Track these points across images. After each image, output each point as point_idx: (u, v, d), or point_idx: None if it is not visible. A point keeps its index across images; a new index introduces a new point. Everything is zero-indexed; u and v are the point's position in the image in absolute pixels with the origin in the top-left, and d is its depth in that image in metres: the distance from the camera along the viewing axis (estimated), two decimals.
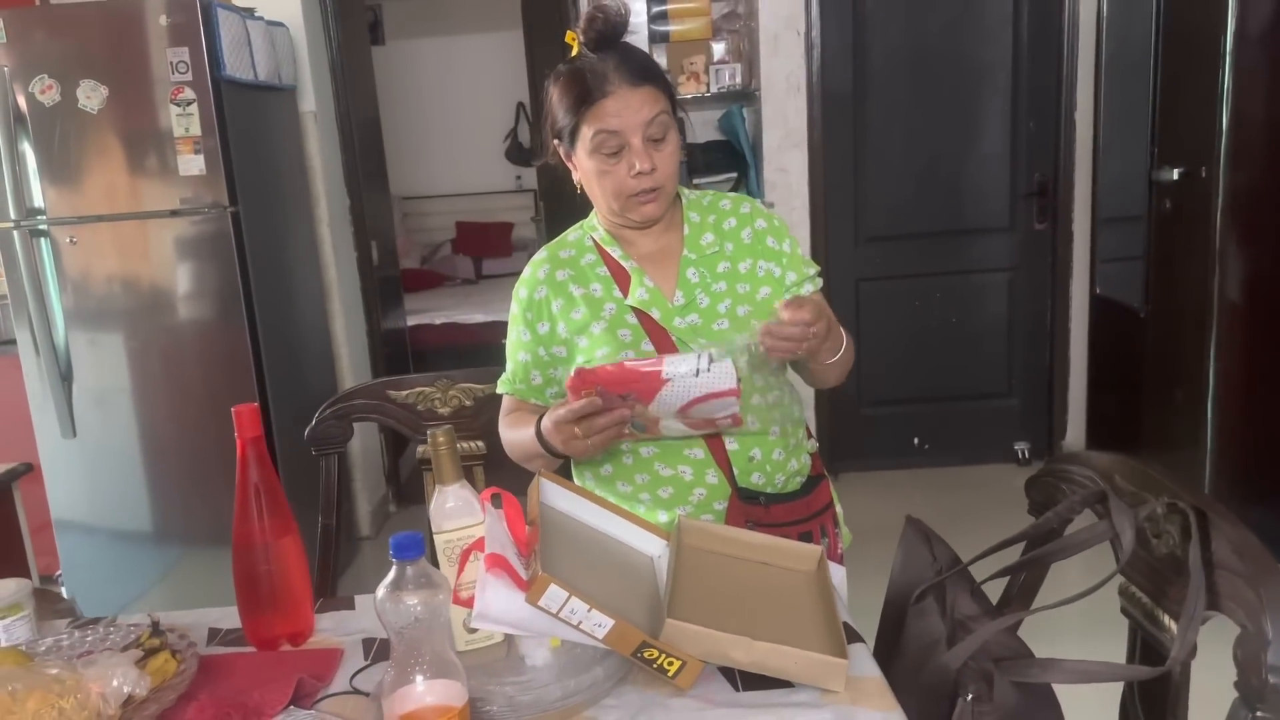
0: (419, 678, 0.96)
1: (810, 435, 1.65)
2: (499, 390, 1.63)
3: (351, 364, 3.81)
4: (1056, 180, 3.85)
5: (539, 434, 1.41)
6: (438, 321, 5.46)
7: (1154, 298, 3.31)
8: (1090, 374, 3.92)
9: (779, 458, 1.52)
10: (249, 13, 3.12)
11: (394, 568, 0.96)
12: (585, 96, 1.45)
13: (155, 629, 1.21)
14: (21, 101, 2.85)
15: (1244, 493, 2.97)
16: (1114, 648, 1.26)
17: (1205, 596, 1.00)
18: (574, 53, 1.50)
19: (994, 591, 1.27)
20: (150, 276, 3.01)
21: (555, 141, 1.55)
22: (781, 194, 3.79)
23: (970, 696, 0.94)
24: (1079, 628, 1.79)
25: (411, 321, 5.14)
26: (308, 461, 1.87)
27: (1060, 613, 1.35)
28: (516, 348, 1.59)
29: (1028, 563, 1.22)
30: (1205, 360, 2.93)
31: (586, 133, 1.46)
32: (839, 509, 1.64)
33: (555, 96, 1.51)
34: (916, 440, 4.13)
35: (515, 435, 1.51)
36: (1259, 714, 0.91)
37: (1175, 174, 3.04)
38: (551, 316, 1.56)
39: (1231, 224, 2.82)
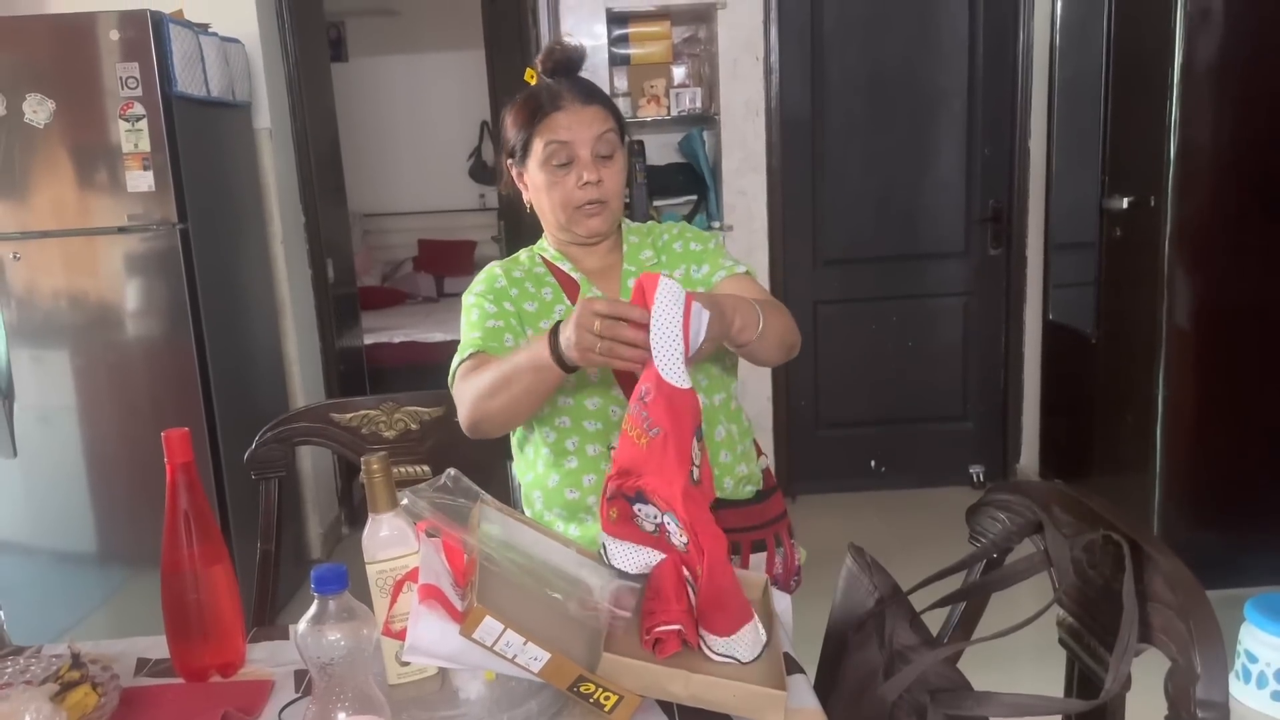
0: (340, 715, 0.93)
1: (760, 453, 1.66)
2: (459, 360, 1.53)
3: (304, 384, 3.76)
4: (1011, 206, 3.89)
5: (554, 331, 1.30)
6: (397, 340, 5.41)
7: (1104, 323, 3.36)
8: (1043, 398, 3.96)
9: (726, 460, 1.55)
10: (203, 28, 3.09)
11: (315, 602, 0.94)
12: (538, 110, 1.54)
13: (76, 660, 1.17)
14: None
15: (1192, 516, 3.00)
16: (1053, 678, 1.25)
17: (1138, 629, 1.00)
18: (531, 82, 1.60)
19: (935, 621, 1.27)
20: (97, 293, 2.96)
21: (509, 161, 1.62)
22: (740, 216, 3.80)
23: (902, 700, 0.93)
24: (1019, 658, 1.80)
25: (370, 340, 5.09)
26: (254, 484, 1.83)
27: (1001, 643, 1.34)
28: (484, 318, 1.56)
29: (966, 592, 1.22)
30: (1154, 385, 2.96)
31: (538, 145, 1.54)
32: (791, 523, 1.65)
33: (509, 119, 1.60)
34: (873, 463, 4.14)
35: (503, 364, 1.42)
36: None
37: (1125, 202, 3.09)
38: (512, 299, 1.60)
39: (1179, 252, 2.87)
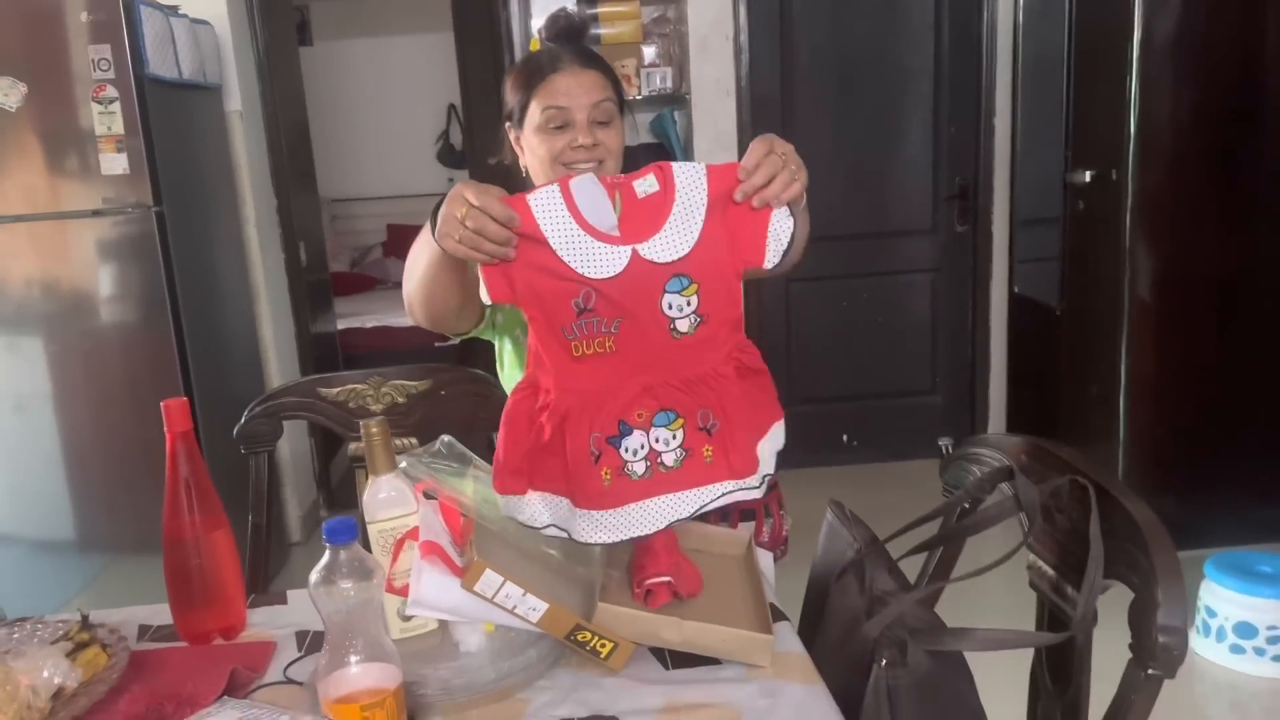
0: (353, 661, 0.97)
1: None
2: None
3: (280, 367, 3.77)
4: (977, 183, 3.97)
5: (436, 208, 1.24)
6: (369, 325, 5.41)
7: (1069, 296, 3.44)
8: (1010, 370, 4.05)
9: None
10: (173, 10, 3.08)
11: (327, 552, 0.98)
12: (537, 72, 1.53)
13: (85, 623, 1.20)
14: None
15: (1156, 483, 3.10)
16: (1025, 620, 1.32)
17: (1104, 566, 1.06)
18: (534, 48, 1.60)
19: (912, 569, 1.33)
20: (71, 279, 2.95)
21: (507, 124, 1.61)
22: None
23: (884, 662, 0.99)
24: (992, 602, 1.87)
25: (342, 325, 5.09)
26: (235, 464, 1.86)
27: (975, 588, 1.40)
28: None
29: (941, 539, 1.28)
30: (1117, 356, 3.06)
31: (535, 109, 1.53)
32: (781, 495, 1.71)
33: (510, 83, 1.59)
34: (845, 437, 4.22)
35: (410, 258, 1.46)
36: (1149, 671, 0.97)
37: (1087, 176, 3.17)
38: None
39: (1140, 224, 2.95)
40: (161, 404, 1.28)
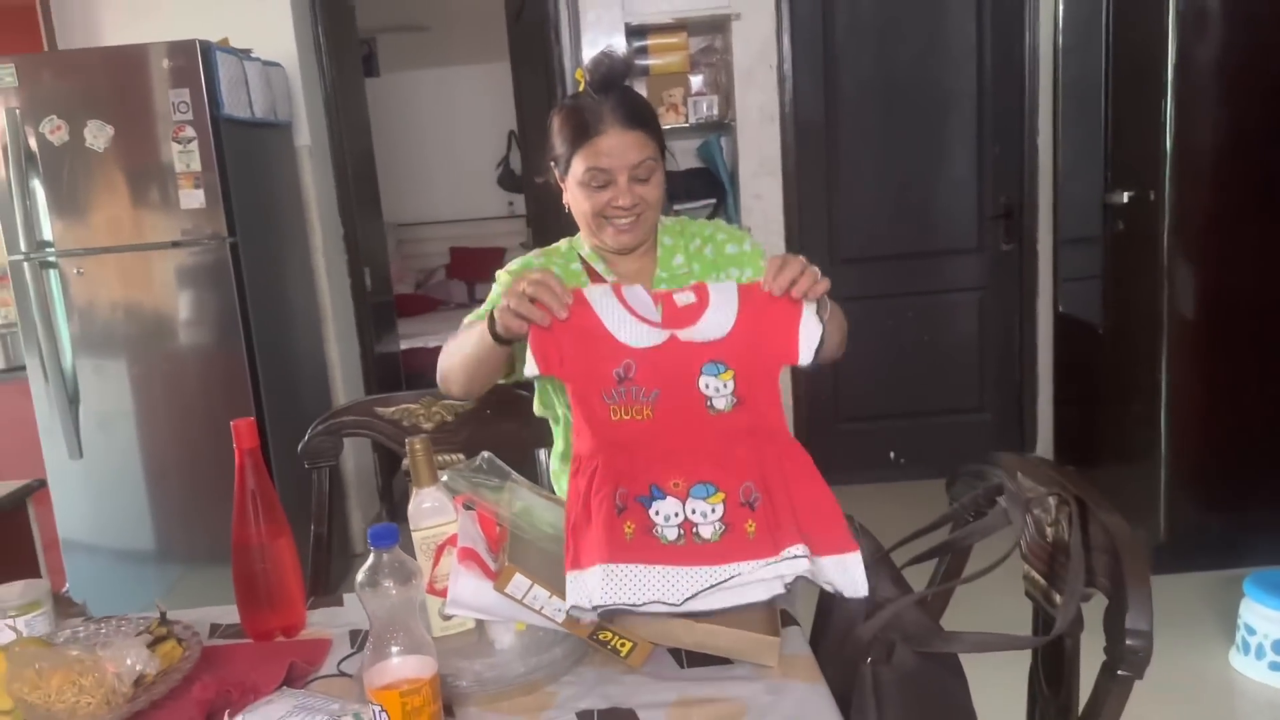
0: (394, 653, 1.09)
1: None
2: (465, 321, 1.67)
3: (346, 387, 3.96)
4: (1021, 203, 4.02)
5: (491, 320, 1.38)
6: (431, 345, 5.60)
7: (1110, 315, 3.47)
8: (1056, 388, 4.07)
9: None
10: (246, 54, 3.29)
11: (371, 554, 1.10)
12: (582, 131, 1.58)
13: (163, 618, 1.35)
14: (32, 141, 3.01)
15: (1196, 500, 3.11)
16: (1024, 628, 1.39)
17: (1084, 574, 1.14)
18: (580, 88, 1.63)
19: (921, 580, 1.41)
20: (153, 305, 3.16)
21: (552, 164, 1.69)
22: (757, 219, 3.96)
23: (870, 660, 1.08)
24: (995, 613, 1.92)
25: (405, 345, 5.29)
26: (302, 478, 2.00)
27: (978, 600, 1.49)
28: (499, 297, 1.70)
29: (941, 549, 1.36)
30: (1158, 374, 3.08)
31: (579, 166, 1.60)
32: None
33: (556, 126, 1.64)
34: (892, 454, 4.27)
35: (459, 341, 1.56)
36: (1120, 672, 1.05)
37: (1126, 196, 3.21)
38: None
39: (1178, 243, 2.98)
40: (231, 423, 1.43)
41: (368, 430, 2.02)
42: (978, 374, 4.24)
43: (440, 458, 1.97)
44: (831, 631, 1.30)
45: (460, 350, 1.55)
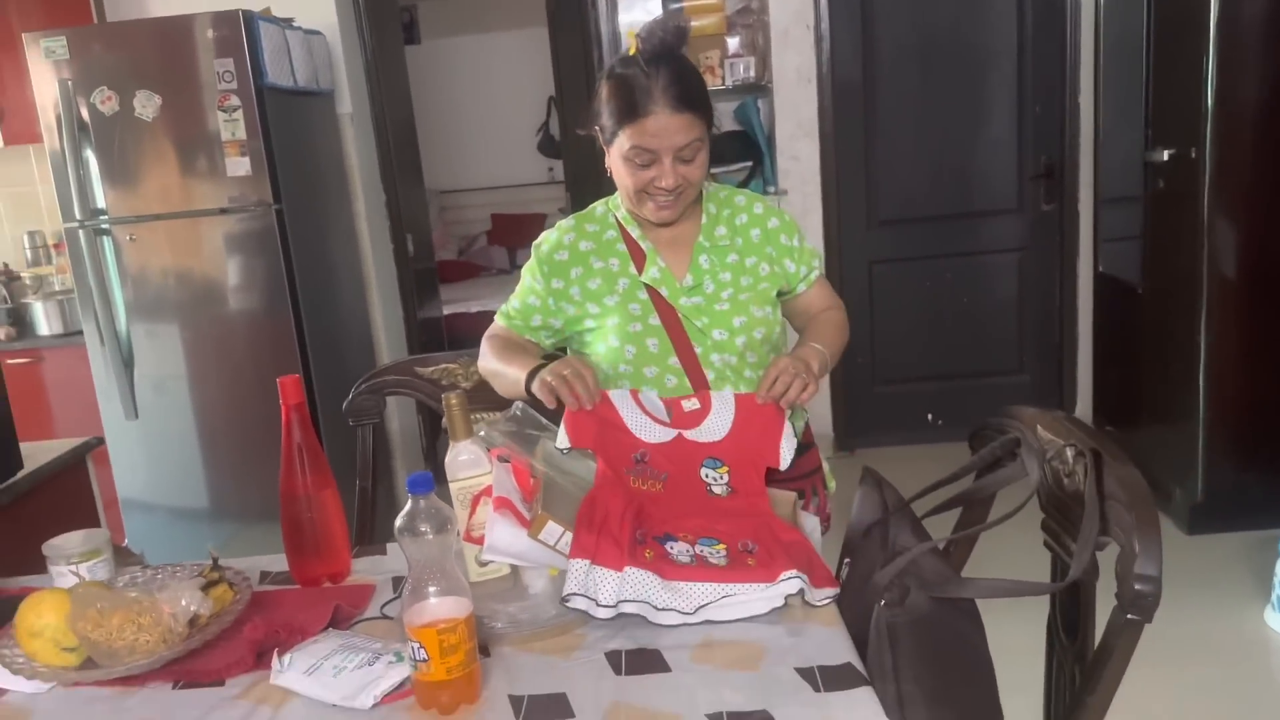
0: (431, 593, 1.15)
1: (804, 409, 1.83)
2: (498, 316, 1.82)
3: (390, 351, 4.04)
4: (1062, 162, 3.97)
5: (537, 369, 1.56)
6: (473, 310, 5.68)
7: (1150, 274, 3.44)
8: (1096, 349, 4.04)
9: None
10: (288, 23, 3.35)
11: (409, 501, 1.16)
12: (630, 110, 1.57)
13: (215, 564, 1.42)
14: (84, 111, 3.10)
15: (1236, 460, 3.10)
16: (1043, 578, 1.43)
17: (1099, 523, 1.17)
18: (631, 51, 1.60)
19: (940, 531, 1.45)
20: (203, 271, 3.25)
21: (597, 129, 1.68)
22: (795, 181, 3.96)
23: (884, 602, 1.12)
24: (1011, 563, 1.95)
25: (448, 310, 5.37)
26: (348, 439, 2.07)
27: (995, 551, 1.52)
28: (528, 291, 1.78)
29: (957, 500, 1.40)
30: (1196, 334, 3.06)
31: (624, 142, 1.60)
32: (826, 465, 1.84)
33: (604, 95, 1.63)
34: (930, 416, 4.27)
35: (500, 368, 1.70)
36: (1130, 616, 1.08)
37: (1166, 155, 3.17)
38: (567, 279, 1.74)
39: (1218, 202, 2.95)
40: (278, 380, 1.49)
41: (409, 389, 2.09)
42: (1016, 335, 4.22)
43: (476, 416, 2.03)
44: (851, 580, 1.34)
45: (498, 375, 1.71)
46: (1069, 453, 1.27)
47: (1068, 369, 4.15)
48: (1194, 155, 2.98)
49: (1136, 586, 1.07)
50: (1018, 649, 1.49)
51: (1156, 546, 1.08)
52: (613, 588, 1.27)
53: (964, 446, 1.57)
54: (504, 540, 1.34)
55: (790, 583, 1.27)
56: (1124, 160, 3.60)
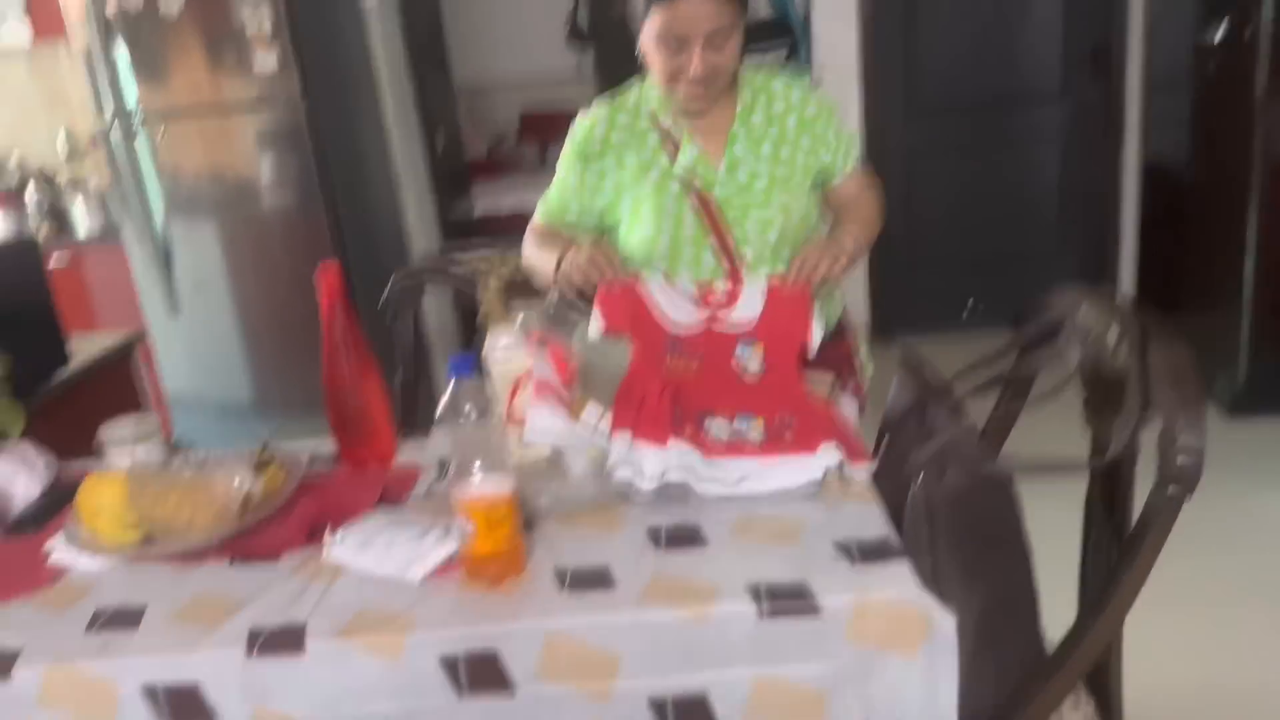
0: (477, 471, 1.17)
1: (841, 293, 1.83)
2: (536, 214, 1.84)
3: (423, 249, 4.04)
4: (1110, 45, 3.83)
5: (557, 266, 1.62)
6: (504, 212, 5.64)
7: (1199, 163, 3.34)
8: (1140, 238, 3.96)
9: None
10: None
11: (452, 383, 1.18)
12: None
13: (265, 446, 1.46)
14: (110, 9, 3.06)
15: (1278, 347, 3.06)
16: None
17: (1142, 398, 1.16)
18: None
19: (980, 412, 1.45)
20: (235, 168, 3.25)
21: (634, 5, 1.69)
22: (831, 68, 3.85)
23: (921, 480, 1.13)
24: (1051, 445, 1.95)
25: (479, 209, 5.34)
26: (387, 336, 2.08)
27: (1035, 432, 1.52)
28: (562, 182, 1.80)
29: (998, 381, 1.40)
30: (1245, 220, 2.98)
31: (655, 23, 1.58)
32: (864, 349, 1.84)
33: None
34: (969, 304, 4.23)
35: (538, 260, 1.72)
36: (1170, 490, 1.08)
37: (1218, 37, 3.04)
38: (601, 169, 1.74)
39: (1272, 85, 2.84)
40: (317, 269, 1.50)
41: (446, 281, 2.09)
42: (1060, 224, 4.13)
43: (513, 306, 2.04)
44: (889, 458, 1.35)
45: (536, 267, 1.74)
46: (1113, 331, 1.26)
47: (1111, 257, 4.07)
48: (1247, 37, 2.86)
49: (1179, 459, 1.06)
50: (1055, 529, 1.49)
51: (1200, 419, 1.07)
52: (657, 461, 1.28)
53: (1003, 337, 1.55)
54: (545, 423, 1.36)
55: (829, 454, 1.29)
56: (1174, 44, 3.46)
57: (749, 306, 1.55)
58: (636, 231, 1.72)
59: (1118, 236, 4.04)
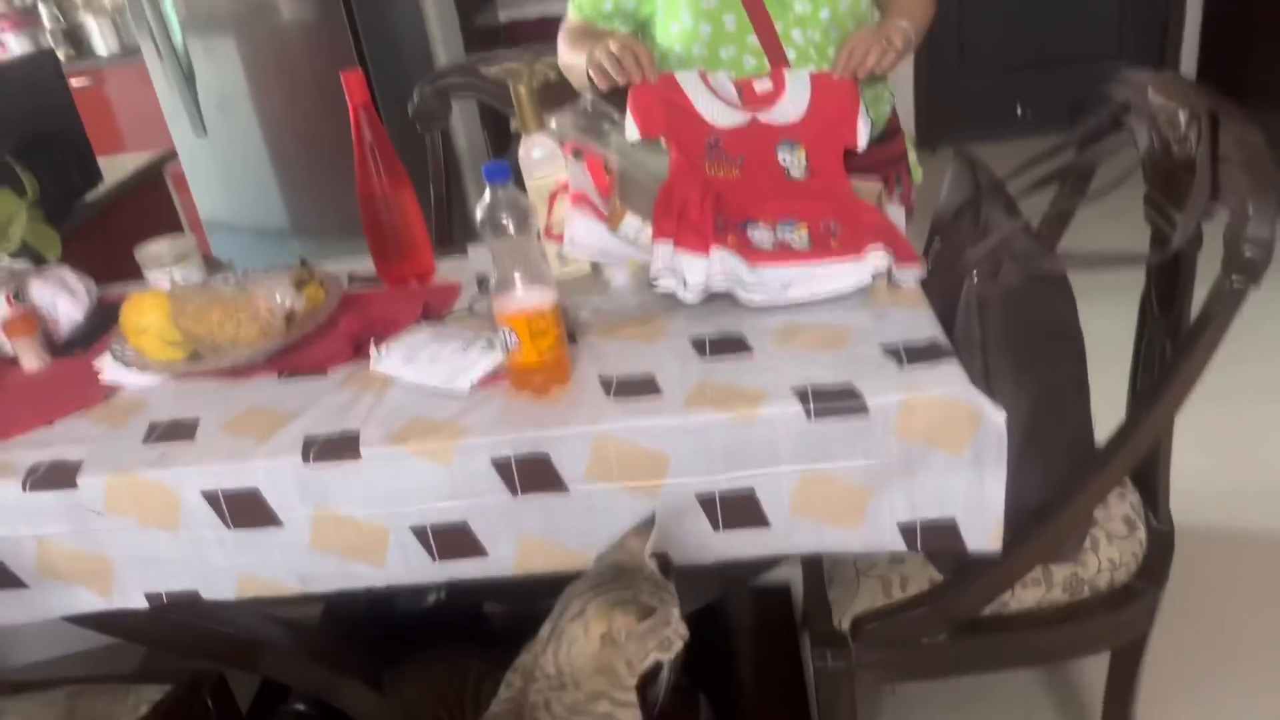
0: (518, 282, 1.15)
1: (890, 93, 1.74)
2: (570, 5, 1.75)
3: (448, 60, 3.90)
4: None
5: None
6: (532, 13, 5.41)
7: None
8: (1203, 32, 3.72)
9: None
10: None
11: (487, 190, 1.14)
12: None
13: (303, 263, 1.45)
14: None
15: None
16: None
17: (1210, 188, 1.11)
18: None
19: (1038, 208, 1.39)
20: None
21: None
22: None
23: (974, 277, 1.09)
24: (1110, 241, 1.90)
25: (505, 14, 5.12)
26: (417, 148, 2.02)
27: (1094, 228, 1.47)
28: None
29: (1057, 174, 1.33)
30: None
31: None
32: (913, 153, 1.77)
33: None
34: (1019, 109, 4.06)
35: (572, 60, 1.65)
36: (1234, 279, 1.04)
37: None
38: None
39: None
40: (341, 75, 1.45)
41: (473, 91, 2.02)
42: (1117, 19, 3.90)
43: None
44: (941, 258, 1.32)
45: (570, 67, 1.65)
46: (1182, 116, 1.18)
47: (1170, 53, 3.85)
48: None
49: (1245, 250, 1.02)
50: (1110, 328, 1.46)
51: (1272, 210, 1.02)
52: (699, 270, 1.26)
53: (1055, 140, 1.47)
54: (584, 234, 1.33)
55: (878, 256, 1.26)
56: None
57: (793, 107, 1.48)
58: (675, 22, 1.62)
59: (1179, 32, 3.80)
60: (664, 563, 1.04)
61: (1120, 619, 1.34)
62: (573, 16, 1.74)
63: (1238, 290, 1.05)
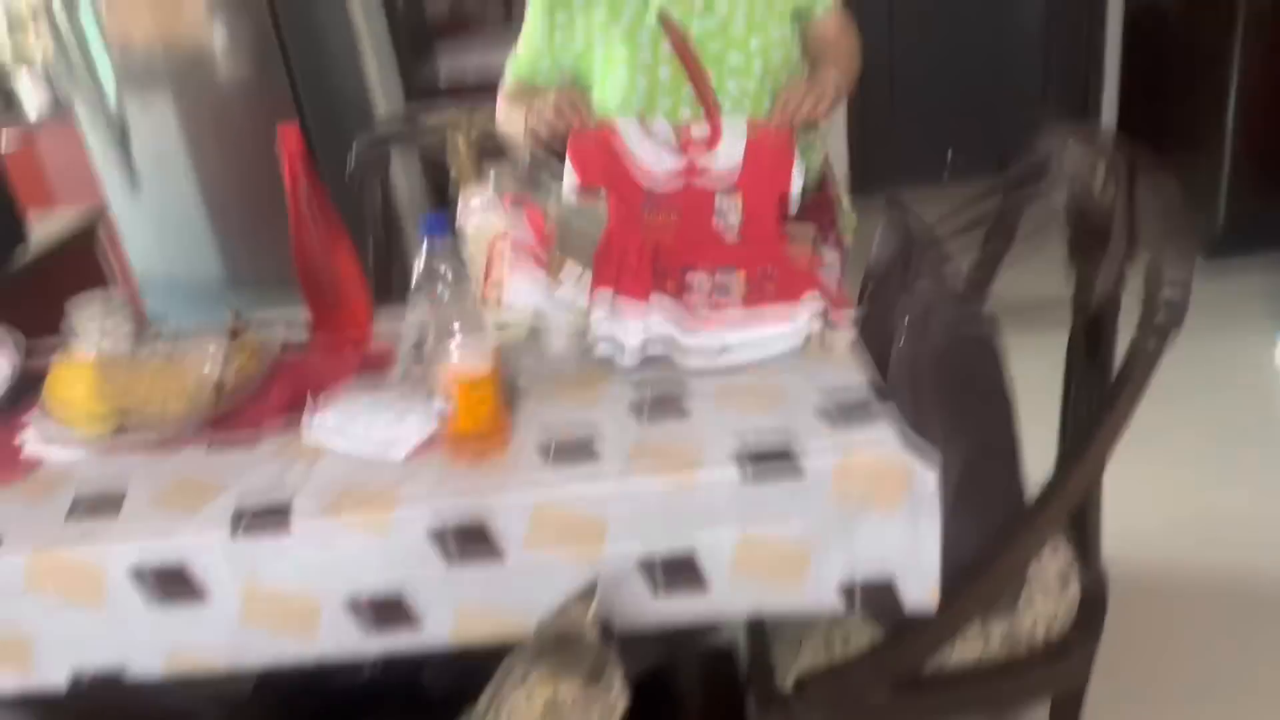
0: (456, 347, 1.11)
1: (822, 141, 1.77)
2: (507, 69, 1.77)
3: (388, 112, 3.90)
4: None
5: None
6: (471, 69, 5.43)
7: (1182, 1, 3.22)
8: (1123, 78, 3.85)
9: None
10: None
11: (425, 243, 1.13)
12: None
13: (237, 315, 1.42)
14: None
15: (1260, 190, 3.05)
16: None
17: (1133, 238, 1.13)
18: None
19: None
20: (188, 36, 3.09)
21: None
22: None
23: (904, 335, 1.11)
24: (1036, 288, 1.90)
25: (445, 71, 5.14)
26: (353, 210, 1.99)
27: (1020, 273, 1.49)
28: (531, 32, 1.72)
29: (983, 220, 1.36)
30: (1229, 60, 2.91)
31: None
32: (846, 199, 1.80)
33: None
34: (950, 153, 4.15)
35: (511, 117, 1.66)
36: (1157, 321, 1.05)
37: None
38: (570, 10, 1.66)
39: None
40: (278, 128, 1.43)
41: (413, 144, 2.02)
42: (1041, 66, 4.02)
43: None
44: (873, 310, 1.33)
45: (510, 130, 1.68)
46: (1100, 168, 1.22)
47: (1093, 98, 3.97)
48: None
49: (1166, 292, 1.04)
50: (1038, 382, 1.48)
51: (1189, 253, 1.04)
52: (637, 333, 1.25)
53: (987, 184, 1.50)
54: (525, 288, 1.32)
55: (812, 302, 1.28)
56: None
57: (729, 154, 1.50)
58: (610, 81, 1.64)
59: (1100, 80, 3.93)
60: (605, 628, 1.02)
61: (1058, 671, 1.35)
62: (509, 80, 1.76)
63: (1161, 332, 1.06)
